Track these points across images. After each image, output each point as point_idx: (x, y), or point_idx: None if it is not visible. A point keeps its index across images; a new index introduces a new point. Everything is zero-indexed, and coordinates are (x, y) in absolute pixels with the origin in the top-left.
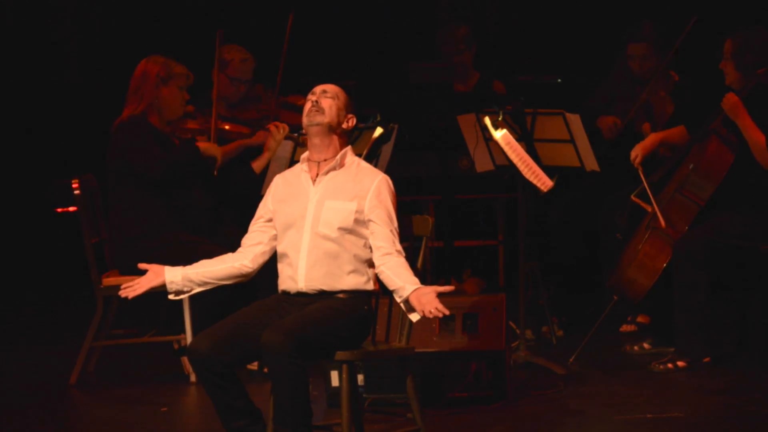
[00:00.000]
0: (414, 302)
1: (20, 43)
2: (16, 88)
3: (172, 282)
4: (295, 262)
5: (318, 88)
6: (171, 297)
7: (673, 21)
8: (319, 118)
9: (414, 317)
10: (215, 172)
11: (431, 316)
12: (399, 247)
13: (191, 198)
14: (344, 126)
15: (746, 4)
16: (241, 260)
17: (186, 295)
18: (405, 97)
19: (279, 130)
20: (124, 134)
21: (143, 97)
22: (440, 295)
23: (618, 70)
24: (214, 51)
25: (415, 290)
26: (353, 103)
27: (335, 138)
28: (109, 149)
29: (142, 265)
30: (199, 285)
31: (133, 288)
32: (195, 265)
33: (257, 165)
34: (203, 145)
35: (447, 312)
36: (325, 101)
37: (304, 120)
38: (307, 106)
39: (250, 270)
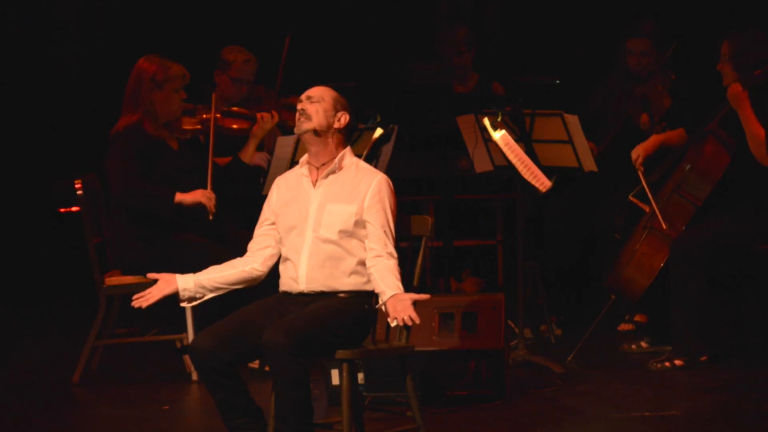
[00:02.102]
0: (389, 308)
1: (24, 43)
2: (19, 89)
3: (185, 289)
4: (297, 264)
5: (303, 95)
6: (183, 304)
7: (670, 23)
8: (305, 126)
9: (392, 321)
10: (210, 217)
11: (401, 324)
12: (391, 249)
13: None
14: (336, 126)
15: (742, 5)
16: (252, 264)
17: (198, 302)
18: (405, 98)
19: (267, 120)
20: (116, 145)
21: (138, 103)
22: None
23: (616, 67)
24: (215, 51)
25: (392, 296)
26: (347, 102)
27: (330, 140)
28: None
29: (151, 275)
30: (212, 291)
31: (146, 298)
32: (206, 271)
33: (244, 154)
34: (189, 198)
35: (417, 321)
36: (310, 107)
37: (295, 131)
38: (297, 115)
39: (260, 273)
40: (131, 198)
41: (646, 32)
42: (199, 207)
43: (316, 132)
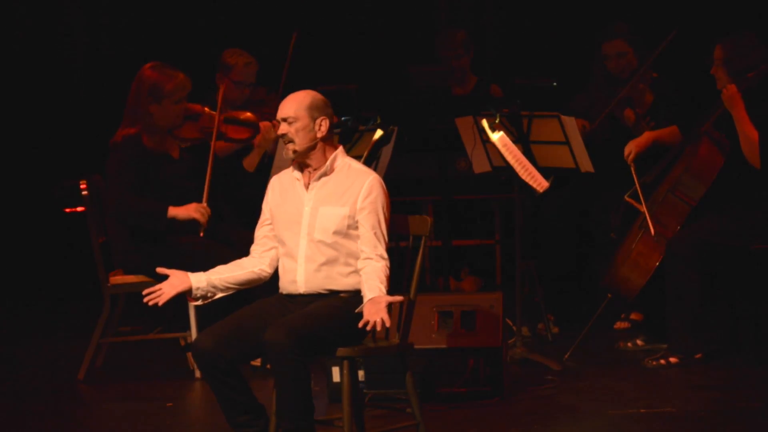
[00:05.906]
0: (365, 311)
1: (29, 43)
2: (24, 90)
3: (198, 288)
4: (294, 268)
5: (279, 115)
6: (194, 303)
7: (666, 24)
8: (291, 154)
9: (363, 324)
10: (201, 233)
11: (370, 327)
12: (381, 251)
13: (191, 199)
14: (319, 135)
15: (733, 8)
16: (260, 265)
17: (209, 300)
18: (404, 100)
19: (269, 129)
20: (114, 156)
21: (137, 115)
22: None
23: (595, 74)
24: (217, 55)
25: (369, 299)
26: (323, 102)
27: (317, 148)
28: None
29: (161, 270)
30: (222, 290)
31: (158, 294)
32: (215, 270)
33: (248, 162)
34: (182, 212)
35: (388, 323)
36: (289, 129)
37: (284, 155)
38: (280, 140)
39: (267, 275)
40: (124, 214)
41: (618, 33)
42: (192, 222)
43: (301, 151)
